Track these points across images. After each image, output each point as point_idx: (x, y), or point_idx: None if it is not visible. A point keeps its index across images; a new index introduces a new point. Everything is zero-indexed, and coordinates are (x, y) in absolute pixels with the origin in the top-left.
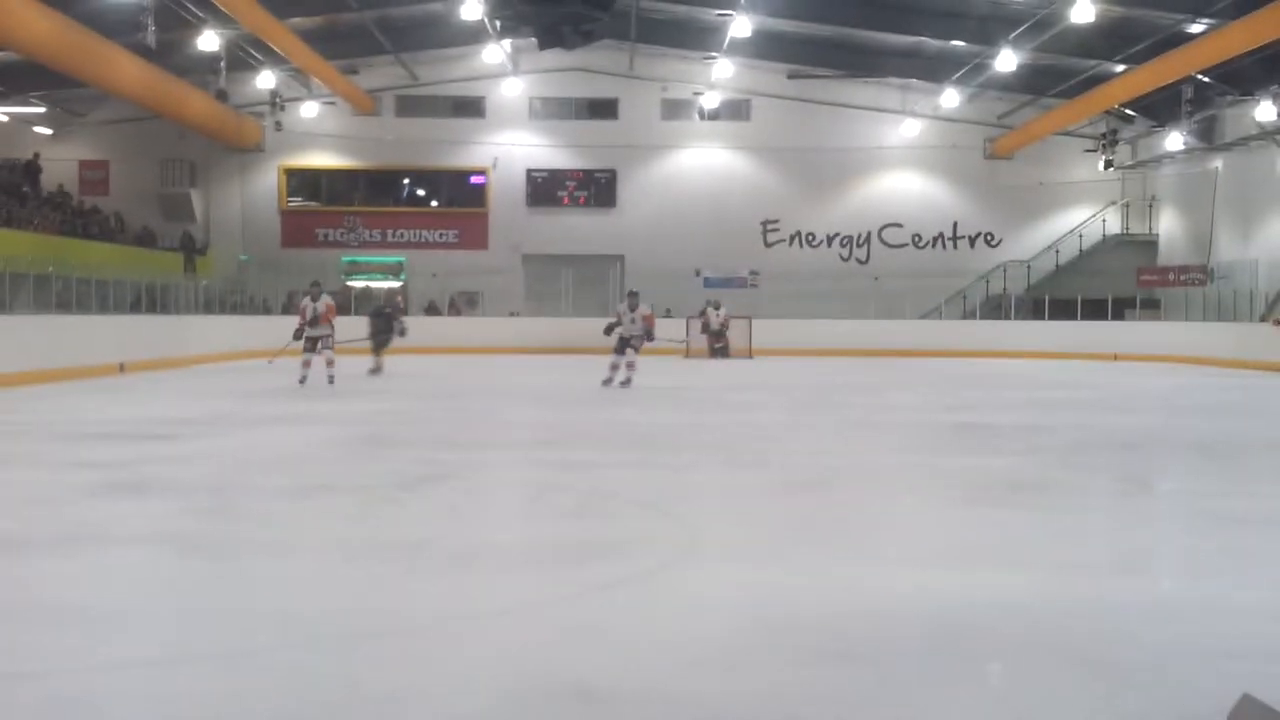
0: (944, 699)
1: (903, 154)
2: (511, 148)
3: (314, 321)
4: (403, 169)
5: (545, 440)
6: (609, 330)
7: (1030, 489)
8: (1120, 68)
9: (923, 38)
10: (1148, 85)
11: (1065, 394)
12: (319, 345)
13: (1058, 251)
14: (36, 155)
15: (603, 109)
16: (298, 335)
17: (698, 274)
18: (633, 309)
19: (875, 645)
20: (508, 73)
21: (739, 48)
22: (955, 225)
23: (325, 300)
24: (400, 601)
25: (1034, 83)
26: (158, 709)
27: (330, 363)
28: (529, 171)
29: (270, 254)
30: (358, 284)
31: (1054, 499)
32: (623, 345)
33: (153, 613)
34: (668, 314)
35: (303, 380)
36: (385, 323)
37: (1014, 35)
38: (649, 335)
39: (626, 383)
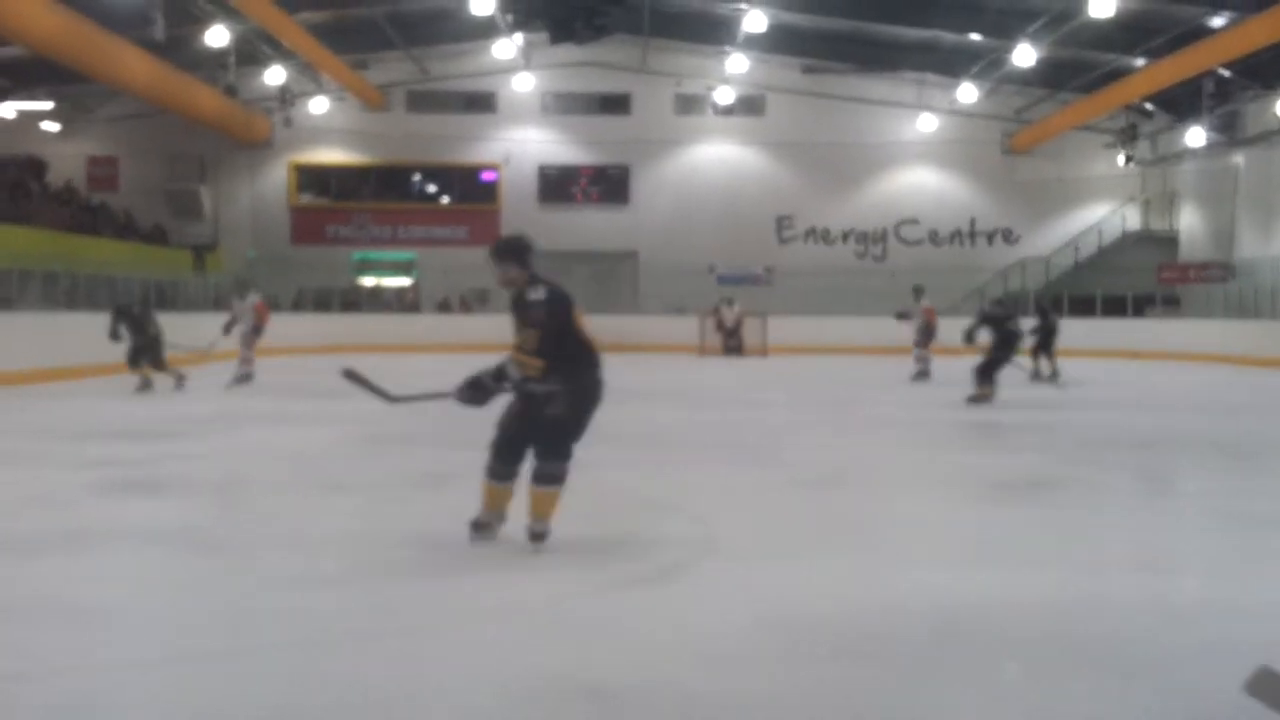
0: (958, 697)
1: (919, 149)
2: (523, 143)
3: None
4: (413, 165)
5: None
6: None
7: (1047, 487)
8: (1140, 62)
9: (939, 31)
10: (1168, 79)
11: (1083, 392)
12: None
13: (1077, 248)
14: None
15: (615, 104)
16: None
17: (711, 270)
18: (242, 298)
19: (890, 643)
20: (519, 68)
21: (753, 42)
22: (973, 221)
23: (923, 303)
24: (411, 600)
25: (1052, 77)
26: (165, 708)
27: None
28: (541, 167)
29: (280, 251)
30: (368, 282)
31: (1070, 497)
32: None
33: (161, 611)
34: (679, 312)
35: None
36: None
37: (1032, 29)
38: (258, 331)
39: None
